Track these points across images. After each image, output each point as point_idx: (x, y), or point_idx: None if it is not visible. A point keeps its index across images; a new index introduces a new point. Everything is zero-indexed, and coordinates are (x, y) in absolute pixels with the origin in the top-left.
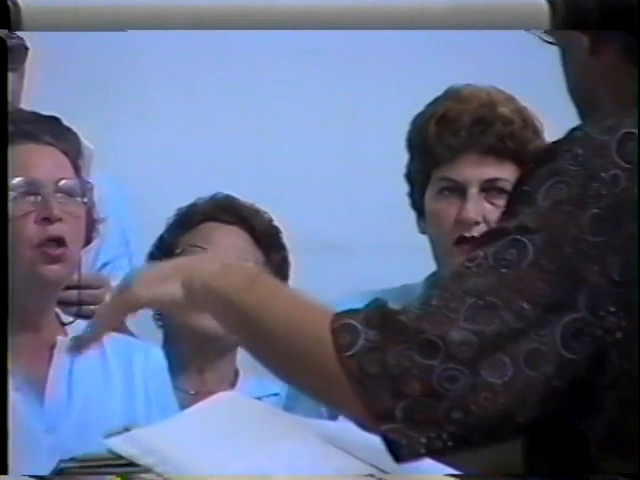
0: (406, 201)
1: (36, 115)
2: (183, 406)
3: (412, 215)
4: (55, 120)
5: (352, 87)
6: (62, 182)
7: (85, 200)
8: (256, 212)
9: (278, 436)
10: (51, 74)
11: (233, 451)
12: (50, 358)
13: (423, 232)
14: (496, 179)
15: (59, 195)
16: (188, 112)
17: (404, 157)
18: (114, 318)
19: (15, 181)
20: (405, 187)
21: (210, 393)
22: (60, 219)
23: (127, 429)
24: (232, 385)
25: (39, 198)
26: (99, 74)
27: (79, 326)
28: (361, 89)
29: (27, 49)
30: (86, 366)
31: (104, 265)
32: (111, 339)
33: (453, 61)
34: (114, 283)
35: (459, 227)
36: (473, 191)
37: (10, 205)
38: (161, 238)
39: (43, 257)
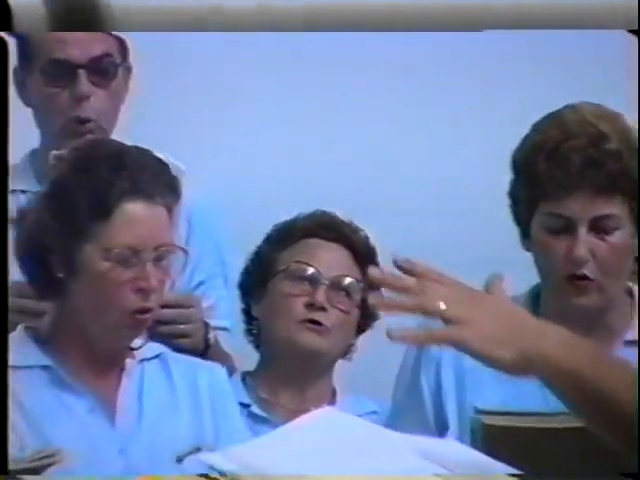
0: (499, 216)
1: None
2: (281, 422)
3: (504, 230)
4: (167, 168)
5: (450, 101)
6: (161, 249)
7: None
8: (356, 230)
9: (377, 452)
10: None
11: (332, 466)
12: (120, 381)
13: (528, 249)
14: (607, 216)
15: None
16: (282, 126)
17: (502, 171)
18: (426, 342)
19: (117, 251)
20: (500, 201)
21: (309, 410)
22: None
23: (198, 449)
24: (330, 402)
25: (138, 266)
26: (187, 82)
27: (148, 349)
28: (460, 102)
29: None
30: (154, 388)
31: (199, 284)
32: (175, 360)
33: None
34: (206, 303)
35: (570, 264)
36: (583, 230)
37: (110, 267)
38: (258, 253)
39: (131, 322)
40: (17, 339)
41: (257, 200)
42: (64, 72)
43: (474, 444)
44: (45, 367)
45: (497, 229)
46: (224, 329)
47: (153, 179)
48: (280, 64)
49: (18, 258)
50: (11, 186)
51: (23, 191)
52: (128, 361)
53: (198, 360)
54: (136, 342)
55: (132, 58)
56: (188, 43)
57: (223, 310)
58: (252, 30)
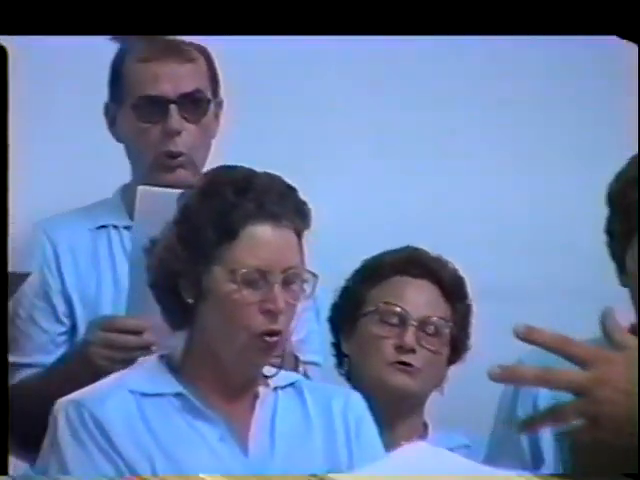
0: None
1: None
2: None
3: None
4: (294, 192)
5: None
6: (289, 271)
7: (303, 287)
8: (444, 264)
9: None
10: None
11: None
12: (253, 409)
13: (625, 285)
14: None
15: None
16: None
17: (590, 201)
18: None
19: (244, 271)
20: (586, 232)
21: (399, 445)
22: (281, 312)
23: None
24: (421, 437)
25: (266, 288)
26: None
27: (282, 377)
28: (544, 130)
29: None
30: (287, 415)
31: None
32: (310, 388)
33: None
34: (297, 337)
35: None
36: None
37: (238, 290)
38: (347, 289)
39: (260, 344)
40: (150, 367)
41: (344, 232)
42: (156, 108)
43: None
44: (177, 394)
45: (593, 264)
46: (315, 364)
47: (280, 202)
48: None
49: (152, 288)
50: (103, 221)
51: (115, 226)
52: (261, 389)
53: (333, 387)
54: (270, 370)
55: None
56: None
57: (314, 344)
58: None
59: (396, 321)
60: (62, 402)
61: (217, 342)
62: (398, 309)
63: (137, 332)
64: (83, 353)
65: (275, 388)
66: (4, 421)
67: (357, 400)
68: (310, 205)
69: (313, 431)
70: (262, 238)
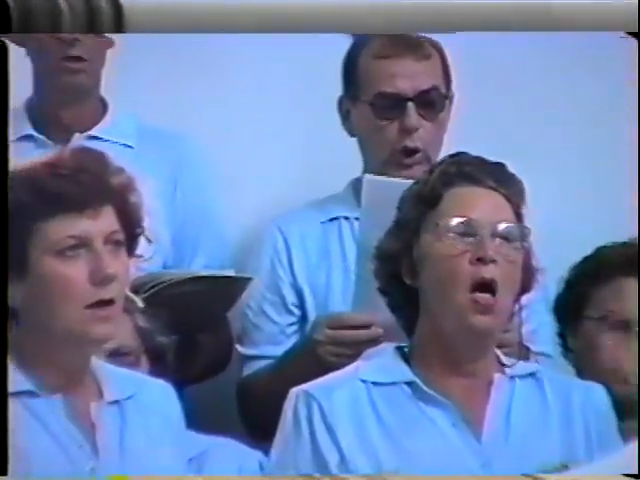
0: None
1: (482, 160)
2: None
3: None
4: (501, 166)
5: None
6: (500, 226)
7: (524, 245)
8: None
9: None
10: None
11: None
12: (488, 395)
13: None
14: None
15: (496, 239)
16: None
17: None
18: None
19: (454, 222)
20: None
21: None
22: (494, 261)
23: (565, 466)
24: None
25: (476, 239)
26: None
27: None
28: None
29: None
30: (524, 404)
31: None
32: (550, 379)
33: None
34: (527, 328)
35: None
36: None
37: (447, 244)
38: (569, 284)
39: (474, 306)
40: (382, 356)
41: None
42: (394, 105)
43: None
44: (409, 383)
45: None
46: (546, 355)
47: (479, 169)
48: None
49: (376, 276)
50: (334, 213)
51: (346, 217)
52: (497, 376)
53: (574, 379)
54: (509, 360)
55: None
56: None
57: (545, 335)
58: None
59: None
60: (294, 392)
61: (435, 303)
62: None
63: (366, 326)
64: (312, 351)
65: (512, 377)
66: (4, 421)
67: (599, 394)
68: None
69: (550, 422)
70: (464, 196)
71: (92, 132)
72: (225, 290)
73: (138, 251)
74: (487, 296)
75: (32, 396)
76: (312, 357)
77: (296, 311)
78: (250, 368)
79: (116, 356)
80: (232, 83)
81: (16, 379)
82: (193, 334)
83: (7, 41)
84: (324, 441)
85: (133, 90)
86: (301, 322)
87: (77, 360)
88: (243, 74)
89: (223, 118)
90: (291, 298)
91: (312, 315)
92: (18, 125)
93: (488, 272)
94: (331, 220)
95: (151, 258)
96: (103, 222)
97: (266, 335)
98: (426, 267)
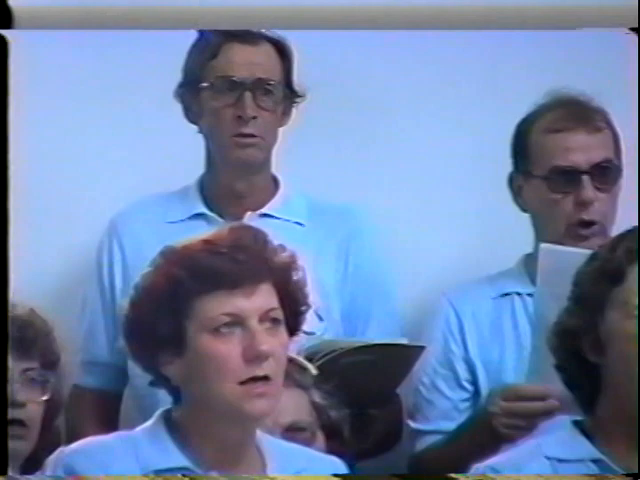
0: None
1: None
2: None
3: None
4: None
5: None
6: None
7: None
8: None
9: None
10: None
11: None
12: None
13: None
14: None
15: None
16: None
17: None
18: None
19: None
20: None
21: None
22: None
23: None
24: None
25: None
26: None
27: None
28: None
29: None
30: None
31: None
32: None
33: None
34: None
35: None
36: None
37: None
38: None
39: None
40: (564, 432)
41: None
42: (568, 179)
43: None
44: (595, 460)
45: None
46: None
47: None
48: None
49: (559, 359)
50: (506, 289)
51: (518, 294)
52: None
53: None
54: None
55: None
56: None
57: None
58: None
59: None
60: (477, 468)
61: (627, 395)
62: None
63: (541, 398)
64: (486, 423)
65: None
66: (4, 421)
67: None
68: None
69: None
70: None
71: (264, 210)
72: (398, 360)
73: (308, 328)
74: None
75: (187, 472)
76: (487, 429)
77: (469, 387)
78: (423, 443)
79: (292, 431)
80: (396, 154)
81: (172, 455)
82: (365, 408)
83: (7, 36)
84: None
85: (302, 166)
86: (473, 398)
87: (236, 436)
88: (408, 145)
89: (391, 189)
90: (464, 373)
91: (485, 391)
92: (190, 203)
93: None
94: (503, 296)
95: (322, 335)
96: (259, 300)
97: (439, 411)
98: (613, 345)
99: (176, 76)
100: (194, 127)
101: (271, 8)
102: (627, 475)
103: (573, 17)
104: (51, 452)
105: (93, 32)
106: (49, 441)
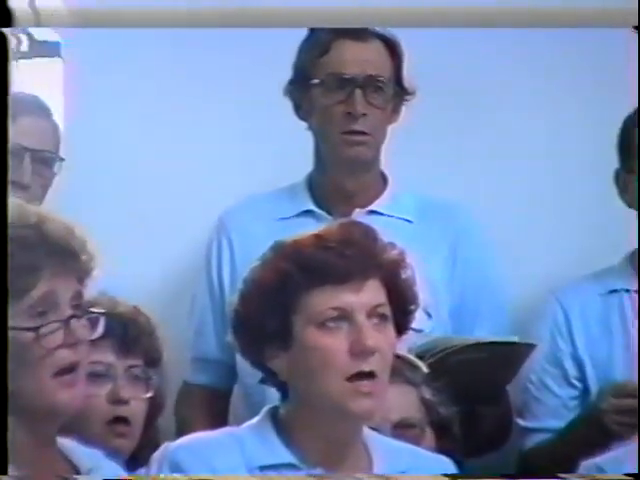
0: None
1: None
2: None
3: None
4: None
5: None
6: None
7: None
8: None
9: None
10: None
11: None
12: None
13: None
14: None
15: None
16: None
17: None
18: None
19: None
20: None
21: None
22: None
23: None
24: None
25: None
26: None
27: None
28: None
29: None
30: None
31: None
32: None
33: None
34: None
35: None
36: None
37: None
38: None
39: None
40: None
41: None
42: None
43: None
44: None
45: None
46: None
47: None
48: None
49: None
50: (614, 286)
51: (627, 290)
52: None
53: None
54: None
55: None
56: None
57: None
58: None
59: None
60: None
61: None
62: None
63: None
64: (596, 420)
65: None
66: (4, 421)
67: None
68: None
69: None
70: None
71: (372, 207)
72: (508, 358)
73: (416, 325)
74: None
75: (292, 469)
76: (597, 426)
77: (578, 384)
78: (532, 441)
79: (402, 427)
80: (503, 152)
81: (278, 452)
82: (475, 406)
83: (6, 32)
84: None
85: (411, 164)
86: (582, 395)
87: (341, 433)
88: (516, 142)
89: (498, 186)
90: (572, 371)
91: (594, 388)
92: (299, 200)
93: None
94: (610, 292)
95: (431, 333)
96: (367, 295)
97: (548, 408)
98: None
99: (286, 73)
100: (303, 124)
101: (381, 8)
102: (627, 475)
103: (572, 16)
104: (151, 450)
105: (201, 30)
106: (151, 439)
